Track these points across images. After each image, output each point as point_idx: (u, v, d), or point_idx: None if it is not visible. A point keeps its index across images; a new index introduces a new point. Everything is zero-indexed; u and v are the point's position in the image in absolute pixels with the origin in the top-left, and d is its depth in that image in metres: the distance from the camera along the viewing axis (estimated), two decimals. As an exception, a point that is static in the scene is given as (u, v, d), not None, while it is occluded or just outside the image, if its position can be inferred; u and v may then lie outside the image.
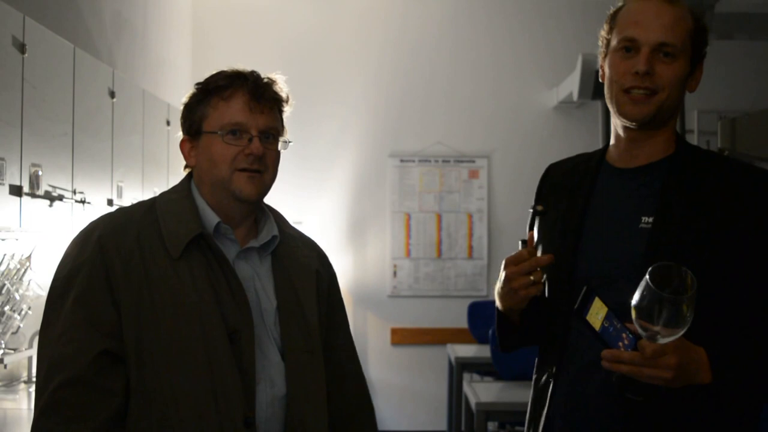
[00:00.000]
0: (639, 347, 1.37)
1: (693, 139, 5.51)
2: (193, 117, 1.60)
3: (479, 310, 5.45)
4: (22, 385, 3.09)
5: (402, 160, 5.83)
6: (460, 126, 5.85)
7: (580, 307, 1.45)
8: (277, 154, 1.64)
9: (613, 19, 1.62)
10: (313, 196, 5.63)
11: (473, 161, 5.84)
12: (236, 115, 1.57)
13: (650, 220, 1.55)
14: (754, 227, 1.52)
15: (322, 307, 1.71)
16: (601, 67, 1.65)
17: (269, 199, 1.70)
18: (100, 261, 1.51)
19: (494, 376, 4.69)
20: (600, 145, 4.38)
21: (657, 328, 1.33)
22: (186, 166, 1.68)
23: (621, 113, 1.59)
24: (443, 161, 5.84)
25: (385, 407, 5.69)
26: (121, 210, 1.67)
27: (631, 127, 1.59)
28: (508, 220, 5.72)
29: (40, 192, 2.66)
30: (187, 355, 1.49)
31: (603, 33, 1.63)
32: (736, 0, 3.49)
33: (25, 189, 2.56)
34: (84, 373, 1.45)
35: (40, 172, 2.66)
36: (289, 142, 1.66)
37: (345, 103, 5.78)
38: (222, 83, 1.59)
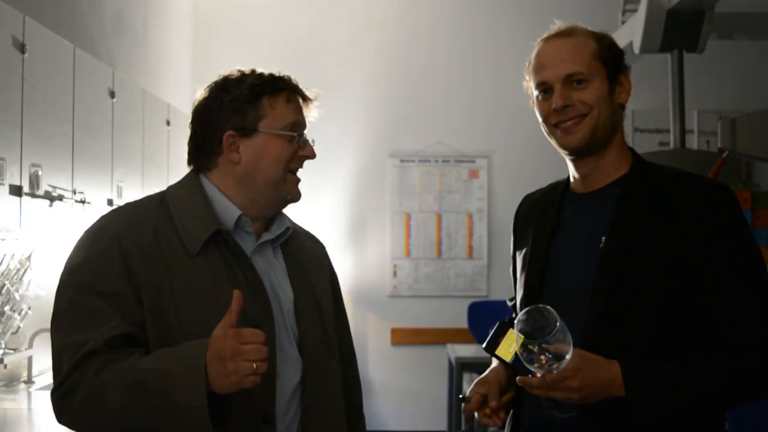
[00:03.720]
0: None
1: (693, 139, 5.51)
2: (246, 114, 1.60)
3: (479, 310, 5.44)
4: (22, 385, 3.09)
5: (402, 160, 5.83)
6: (460, 126, 5.85)
7: (490, 342, 1.58)
8: None
9: (528, 70, 1.73)
10: (313, 196, 5.63)
11: (473, 161, 5.84)
12: (295, 116, 1.64)
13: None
14: (700, 243, 1.56)
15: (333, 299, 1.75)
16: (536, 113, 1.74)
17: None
18: (119, 255, 1.50)
19: (494, 376, 4.69)
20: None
21: (545, 366, 1.44)
22: (190, 162, 1.68)
23: (560, 146, 1.68)
24: (443, 161, 5.84)
25: (385, 407, 5.70)
26: (132, 205, 1.65)
27: (575, 157, 1.68)
28: (508, 220, 5.67)
29: (40, 192, 2.66)
30: None
31: (526, 83, 1.74)
32: (736, 0, 3.49)
33: (25, 189, 2.56)
34: (102, 349, 1.44)
35: (40, 172, 2.66)
36: (312, 141, 1.70)
37: (345, 103, 5.78)
38: (278, 85, 1.63)
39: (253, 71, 1.64)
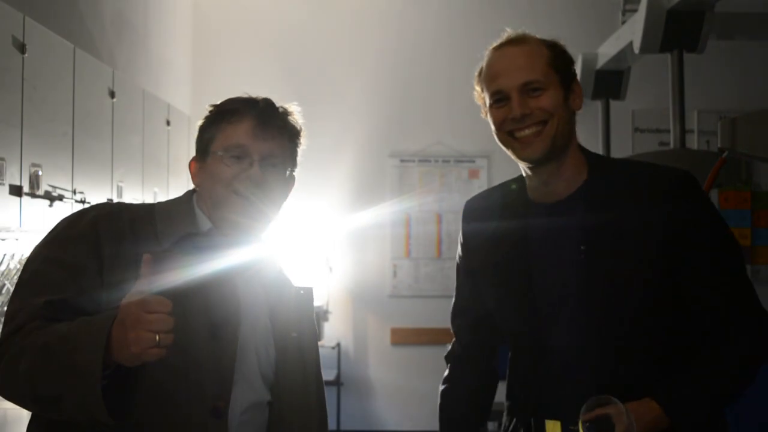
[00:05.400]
0: None
1: (693, 139, 5.52)
2: (203, 138, 1.62)
3: (479, 310, 5.44)
4: (22, 385, 3.08)
5: (402, 160, 5.83)
6: (460, 126, 5.84)
7: None
8: (280, 184, 1.63)
9: (480, 79, 1.70)
10: (312, 196, 5.63)
11: (473, 161, 5.83)
12: (240, 138, 1.59)
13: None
14: (674, 235, 1.57)
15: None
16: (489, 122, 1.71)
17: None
18: (93, 236, 1.51)
19: (494, 376, 4.69)
20: (600, 145, 4.33)
21: None
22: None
23: (519, 158, 1.65)
24: (443, 161, 5.84)
25: (385, 407, 5.69)
26: (120, 202, 1.71)
27: (534, 167, 1.65)
28: (508, 220, 5.71)
29: (40, 192, 2.66)
30: None
31: (477, 93, 1.71)
32: (736, 0, 3.49)
33: (25, 189, 2.57)
34: (42, 313, 1.41)
35: (40, 172, 2.66)
36: (293, 174, 1.65)
37: (345, 103, 5.77)
38: (231, 107, 1.61)
39: (234, 97, 1.65)
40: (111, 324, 1.32)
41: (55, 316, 1.42)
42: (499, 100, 1.64)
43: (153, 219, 1.59)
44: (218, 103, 1.66)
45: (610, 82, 4.05)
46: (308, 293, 1.74)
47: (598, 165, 1.68)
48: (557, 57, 1.65)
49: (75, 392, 1.32)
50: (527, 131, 1.61)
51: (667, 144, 3.49)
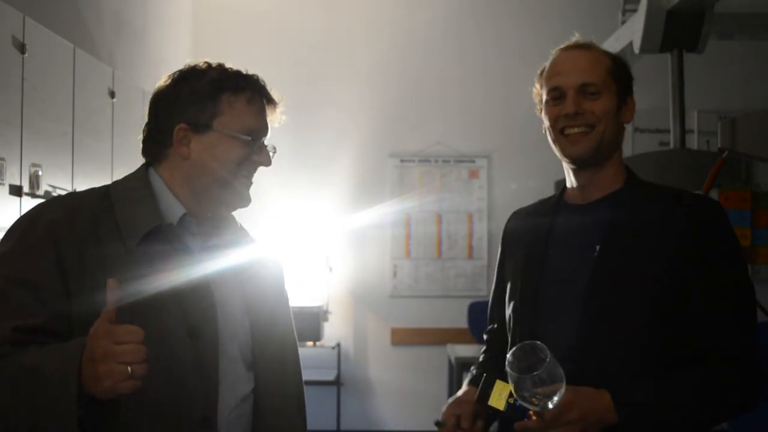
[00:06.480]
0: (539, 415, 1.46)
1: (693, 139, 5.52)
2: (202, 109, 1.52)
3: (479, 310, 5.44)
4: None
5: (402, 160, 5.83)
6: (460, 126, 5.84)
7: (481, 395, 1.56)
8: None
9: (541, 77, 1.76)
10: (313, 196, 5.63)
11: (473, 161, 5.83)
12: (255, 121, 1.54)
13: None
14: (689, 256, 1.60)
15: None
16: (543, 119, 1.77)
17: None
18: (52, 245, 1.41)
19: (494, 376, 4.69)
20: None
21: (539, 405, 1.43)
22: (143, 152, 1.62)
23: (564, 155, 1.71)
24: (443, 161, 5.84)
25: (385, 407, 5.69)
26: (72, 194, 1.59)
27: (577, 167, 1.71)
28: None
29: (40, 192, 2.66)
30: None
31: (536, 91, 1.77)
32: (736, 0, 3.49)
33: (25, 189, 2.57)
34: (9, 340, 1.34)
35: (40, 172, 2.66)
36: (273, 149, 1.62)
37: (345, 103, 5.77)
38: (241, 83, 1.54)
39: (219, 65, 1.58)
40: (81, 357, 1.26)
41: (24, 342, 1.34)
42: (555, 97, 1.70)
43: (113, 214, 1.48)
44: (212, 65, 1.56)
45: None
46: (277, 263, 1.71)
47: (636, 180, 1.75)
48: (618, 68, 1.71)
49: (51, 425, 1.26)
50: (576, 129, 1.67)
51: (667, 144, 3.48)
